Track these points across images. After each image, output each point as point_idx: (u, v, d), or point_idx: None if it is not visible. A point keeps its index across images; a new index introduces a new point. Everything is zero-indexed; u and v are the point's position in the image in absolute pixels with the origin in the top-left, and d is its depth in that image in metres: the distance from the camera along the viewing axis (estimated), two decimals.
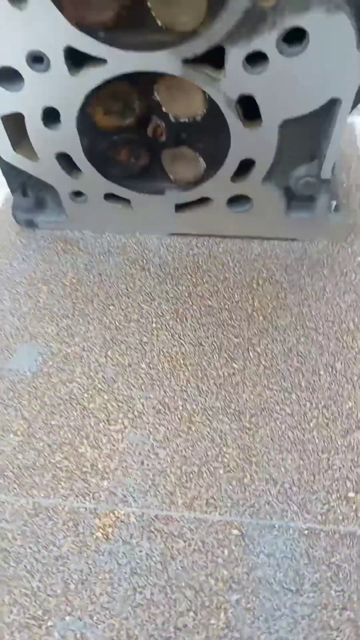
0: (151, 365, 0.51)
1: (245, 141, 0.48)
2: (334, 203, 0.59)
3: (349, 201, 0.66)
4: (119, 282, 0.59)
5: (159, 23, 0.40)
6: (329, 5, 0.37)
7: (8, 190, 0.61)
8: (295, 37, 0.39)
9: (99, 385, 0.50)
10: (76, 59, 0.42)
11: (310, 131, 0.47)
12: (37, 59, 0.42)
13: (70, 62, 0.42)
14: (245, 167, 0.51)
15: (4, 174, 0.58)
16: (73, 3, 0.38)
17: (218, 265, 0.60)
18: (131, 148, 0.52)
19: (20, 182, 0.59)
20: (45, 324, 0.55)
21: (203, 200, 0.56)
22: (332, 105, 0.44)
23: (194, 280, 0.58)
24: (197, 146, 0.51)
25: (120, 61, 0.41)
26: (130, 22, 0.40)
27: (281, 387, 0.49)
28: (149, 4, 0.38)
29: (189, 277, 0.59)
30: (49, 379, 0.50)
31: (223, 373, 0.50)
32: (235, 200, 0.56)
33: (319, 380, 0.49)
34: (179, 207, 0.58)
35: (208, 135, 0.49)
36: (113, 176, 0.54)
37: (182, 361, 0.51)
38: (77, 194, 0.57)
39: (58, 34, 0.39)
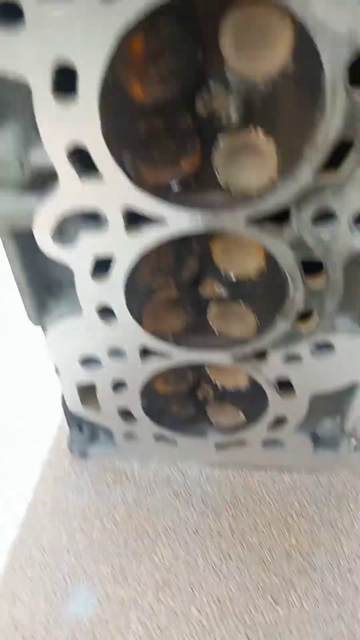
0: (201, 611, 0.56)
1: (280, 405, 0.58)
2: (353, 442, 0.68)
3: None
4: (165, 517, 0.65)
5: (217, 329, 0.52)
6: (350, 332, 0.49)
7: (63, 416, 0.71)
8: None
9: (154, 634, 0.54)
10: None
11: (335, 396, 0.58)
12: (115, 352, 0.53)
13: (142, 352, 0.54)
14: (280, 419, 0.61)
15: (65, 413, 0.68)
16: (152, 317, 0.51)
17: (255, 497, 0.67)
18: (182, 403, 0.62)
19: (78, 420, 0.68)
20: (100, 564, 0.60)
21: (241, 441, 0.66)
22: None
23: (233, 513, 0.65)
24: (239, 405, 0.61)
25: (183, 356, 0.53)
26: (195, 328, 0.52)
27: (325, 636, 0.53)
28: (210, 319, 0.51)
29: (228, 510, 0.66)
30: (106, 626, 0.55)
31: (269, 619, 0.55)
32: (269, 443, 0.65)
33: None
34: (219, 445, 0.67)
35: (248, 398, 0.59)
36: (164, 423, 0.64)
37: (229, 606, 0.56)
38: (130, 434, 0.66)
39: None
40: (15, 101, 0.38)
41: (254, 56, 0.32)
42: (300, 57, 0.32)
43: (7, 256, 0.49)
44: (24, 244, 0.46)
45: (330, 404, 0.60)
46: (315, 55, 0.31)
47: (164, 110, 0.35)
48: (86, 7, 0.29)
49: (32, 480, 0.70)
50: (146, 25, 0.31)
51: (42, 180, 0.41)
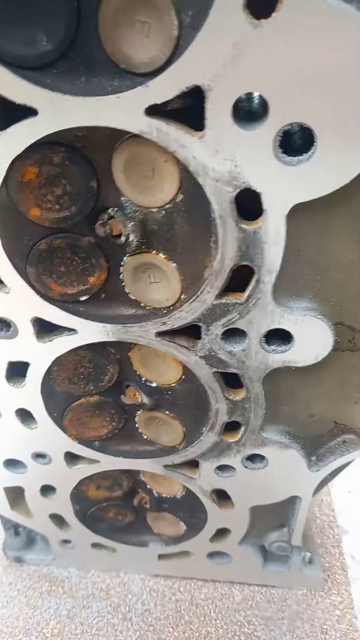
0: None
1: (220, 516, 0.57)
2: (307, 555, 0.66)
3: (323, 541, 0.74)
4: (100, 635, 0.63)
5: (145, 436, 0.52)
6: (280, 444, 0.49)
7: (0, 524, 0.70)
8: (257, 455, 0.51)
9: None
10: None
11: (278, 508, 0.58)
12: (39, 456, 0.54)
13: (68, 456, 0.54)
14: (223, 531, 0.60)
15: (0, 516, 0.67)
16: (75, 423, 0.51)
17: (200, 616, 0.65)
18: (118, 509, 0.61)
19: (13, 524, 0.68)
20: None
21: (185, 552, 0.64)
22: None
23: (176, 634, 0.63)
24: (178, 514, 0.60)
25: (111, 462, 0.53)
26: (121, 434, 0.53)
27: None
28: (137, 425, 0.52)
29: (171, 629, 0.64)
30: None
31: None
32: (215, 555, 0.64)
33: None
34: (162, 556, 0.65)
35: (186, 507, 0.59)
36: (100, 530, 0.63)
37: None
38: (66, 541, 0.66)
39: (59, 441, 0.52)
40: None
41: (145, 190, 0.35)
42: (188, 192, 0.34)
43: None
44: None
45: (276, 516, 0.60)
46: (201, 190, 0.33)
47: (64, 230, 0.38)
48: None
49: None
50: (37, 155, 0.34)
51: None
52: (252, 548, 0.63)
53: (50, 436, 0.51)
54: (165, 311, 0.40)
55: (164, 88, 0.30)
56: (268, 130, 0.30)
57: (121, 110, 0.31)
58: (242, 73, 0.29)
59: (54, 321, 0.42)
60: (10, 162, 0.33)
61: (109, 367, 0.46)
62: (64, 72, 0.31)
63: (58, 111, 0.31)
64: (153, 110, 0.31)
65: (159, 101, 0.30)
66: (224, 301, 0.39)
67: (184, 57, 0.29)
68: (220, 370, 0.43)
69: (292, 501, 0.56)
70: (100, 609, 0.66)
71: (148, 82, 0.30)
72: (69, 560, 0.69)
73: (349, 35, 0.27)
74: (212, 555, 0.64)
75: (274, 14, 0.27)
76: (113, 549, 0.65)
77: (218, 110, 0.30)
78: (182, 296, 0.39)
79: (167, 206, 0.36)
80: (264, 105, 0.30)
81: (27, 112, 0.32)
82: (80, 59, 0.30)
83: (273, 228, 0.34)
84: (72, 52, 0.30)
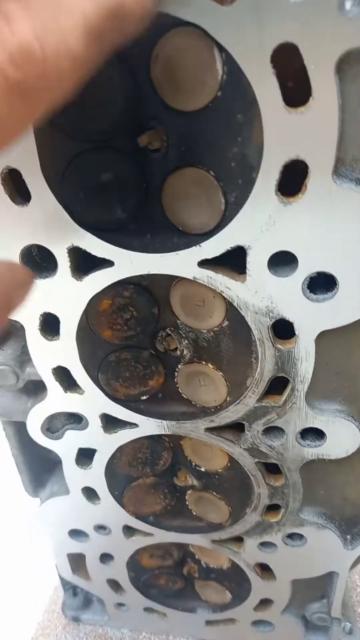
0: None
1: (264, 587, 0.61)
2: (347, 625, 0.69)
3: None
4: None
5: (194, 513, 0.58)
6: (317, 525, 0.53)
7: (57, 583, 0.75)
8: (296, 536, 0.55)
9: None
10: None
11: (318, 581, 0.61)
12: (100, 528, 0.60)
13: (126, 529, 0.59)
14: (266, 601, 0.63)
15: (60, 577, 0.73)
16: (133, 500, 0.57)
17: None
18: (169, 577, 0.66)
19: (72, 585, 0.73)
20: None
21: (231, 619, 0.68)
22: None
23: None
24: (224, 583, 0.64)
25: (164, 535, 0.58)
26: (173, 511, 0.58)
27: None
28: (187, 502, 0.57)
29: None
30: None
31: None
32: (259, 623, 0.67)
33: None
34: (209, 622, 0.69)
35: (232, 578, 0.63)
36: (152, 595, 0.68)
37: None
38: (120, 604, 0.70)
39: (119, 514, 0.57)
40: (15, 327, 0.48)
41: (197, 317, 0.41)
42: (233, 319, 0.41)
43: (7, 437, 0.58)
44: (21, 429, 0.55)
45: (316, 588, 0.63)
46: (244, 319, 0.40)
47: (129, 346, 0.45)
48: (64, 283, 0.40)
49: None
50: (112, 291, 0.41)
51: (35, 387, 0.50)
52: (294, 618, 0.66)
53: (111, 511, 0.57)
54: (213, 410, 0.46)
55: (214, 247, 0.37)
56: (297, 277, 0.37)
57: (179, 263, 0.38)
58: (275, 237, 0.35)
59: (119, 417, 0.48)
60: (90, 297, 0.41)
61: (163, 454, 0.52)
62: (134, 232, 0.38)
63: (129, 262, 0.38)
64: (204, 262, 0.38)
65: (209, 257, 0.37)
66: (264, 404, 0.44)
67: (230, 226, 0.36)
68: (261, 461, 0.49)
69: (330, 575, 0.60)
70: None
71: (201, 242, 0.37)
72: (122, 622, 0.73)
73: (358, 209, 0.33)
74: (256, 623, 0.67)
75: (300, 195, 0.34)
76: (164, 613, 0.69)
77: (257, 263, 0.37)
78: (228, 399, 0.45)
79: (215, 329, 0.42)
80: (294, 256, 0.36)
81: (105, 261, 0.39)
82: (147, 223, 0.38)
83: (304, 348, 0.40)
84: (141, 217, 0.38)
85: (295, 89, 0.31)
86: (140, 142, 0.33)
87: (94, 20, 0.22)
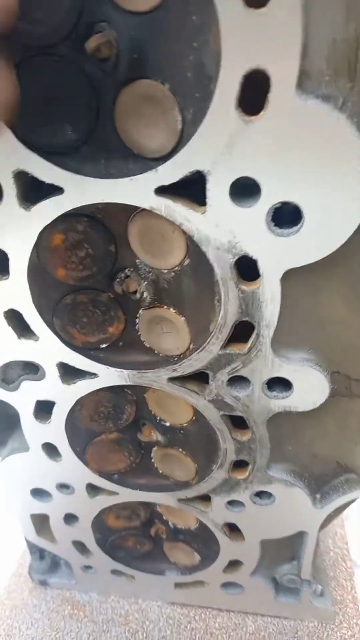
0: None
1: (232, 548, 0.60)
2: (318, 587, 0.68)
3: (336, 574, 0.75)
4: None
5: (160, 471, 0.55)
6: (286, 482, 0.51)
7: (26, 547, 0.73)
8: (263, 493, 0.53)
9: None
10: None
11: (288, 541, 0.59)
12: (63, 486, 0.57)
13: (90, 488, 0.57)
14: (235, 562, 0.62)
15: (26, 540, 0.71)
16: (96, 457, 0.55)
17: None
18: (136, 538, 0.64)
19: (39, 548, 0.71)
20: None
21: (200, 582, 0.66)
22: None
23: None
24: (192, 544, 0.63)
25: (129, 494, 0.56)
26: (138, 469, 0.56)
27: None
28: (153, 460, 0.55)
29: None
30: None
31: None
32: (228, 585, 0.66)
33: None
34: (178, 584, 0.68)
35: (200, 539, 0.61)
36: (119, 558, 0.66)
37: None
38: (88, 567, 0.68)
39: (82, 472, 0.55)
40: None
41: (157, 254, 0.39)
42: (194, 257, 0.38)
43: None
44: None
45: (286, 549, 0.62)
46: (205, 257, 0.37)
47: (86, 287, 0.42)
48: (12, 213, 0.37)
49: None
50: (64, 224, 0.38)
51: None
52: (264, 580, 0.65)
53: (73, 469, 0.55)
54: (176, 359, 0.44)
55: (171, 172, 0.34)
56: (261, 208, 0.34)
57: (134, 190, 0.35)
58: (236, 160, 0.32)
59: (77, 366, 0.45)
60: (39, 231, 0.38)
61: (126, 407, 0.50)
62: (86, 157, 0.35)
63: (81, 190, 0.35)
64: (161, 190, 0.35)
65: (166, 183, 0.34)
66: (228, 352, 0.42)
67: (187, 147, 0.32)
68: (227, 413, 0.46)
69: (300, 536, 0.58)
70: (119, 634, 0.69)
71: (157, 167, 0.34)
72: (90, 586, 0.72)
73: (326, 129, 0.30)
74: (225, 585, 0.66)
75: (262, 113, 0.31)
76: (132, 576, 0.68)
77: (217, 191, 0.34)
78: (191, 346, 0.43)
79: (176, 268, 0.39)
80: (257, 185, 0.33)
81: (54, 189, 0.36)
82: (100, 146, 0.35)
83: (269, 289, 0.38)
84: (93, 139, 0.35)
85: None
86: (87, 47, 0.30)
87: None
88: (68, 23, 0.30)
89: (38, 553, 0.72)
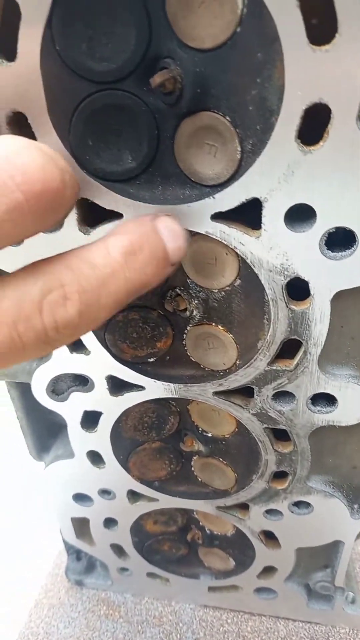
0: None
1: (268, 555, 0.61)
2: (350, 595, 0.68)
3: None
4: None
5: (200, 479, 0.57)
6: (325, 493, 0.52)
7: (61, 547, 0.75)
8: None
9: None
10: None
11: (323, 550, 0.60)
12: (105, 492, 0.59)
13: (130, 494, 0.59)
14: (269, 568, 0.63)
15: (64, 541, 0.72)
16: (138, 465, 0.56)
17: None
18: (173, 543, 0.66)
19: (76, 549, 0.73)
20: None
21: (233, 586, 0.68)
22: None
23: None
24: (227, 550, 0.64)
25: (169, 501, 0.57)
26: (178, 476, 0.57)
27: None
28: (193, 468, 0.56)
29: None
30: None
31: None
32: (262, 590, 0.67)
33: None
34: (212, 588, 0.69)
35: (236, 545, 0.63)
36: (155, 561, 0.68)
37: None
38: (124, 569, 0.70)
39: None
40: None
41: (208, 275, 0.40)
42: (245, 278, 0.39)
43: (11, 399, 0.57)
44: (26, 391, 0.54)
45: (320, 557, 0.63)
46: (257, 278, 0.38)
47: (138, 305, 0.43)
48: (72, 237, 0.38)
49: (28, 606, 0.74)
50: None
51: None
52: (297, 586, 0.66)
53: (115, 475, 0.56)
54: (222, 374, 0.45)
55: (228, 199, 0.35)
56: (315, 233, 0.35)
57: (191, 216, 0.36)
58: (294, 188, 0.33)
59: (125, 379, 0.47)
60: None
61: (170, 418, 0.51)
62: (144, 184, 0.36)
63: (139, 215, 0.36)
64: (217, 215, 0.36)
65: (223, 209, 0.35)
66: (274, 368, 0.43)
67: (246, 176, 0.34)
68: (270, 426, 0.47)
69: (335, 544, 0.59)
70: (153, 634, 0.70)
71: (215, 194, 0.35)
72: (125, 587, 0.73)
73: None
74: (259, 590, 0.67)
75: (321, 143, 0.32)
76: (167, 579, 0.69)
77: (273, 217, 0.35)
78: (238, 362, 0.44)
79: (227, 288, 0.41)
80: (312, 209, 0.34)
81: (114, 213, 0.37)
82: (158, 173, 0.36)
83: (319, 309, 0.39)
84: (152, 167, 0.36)
85: (320, 26, 0.29)
86: (152, 83, 0.31)
87: (123, 300, 0.29)
88: (134, 60, 0.31)
89: (75, 554, 0.74)
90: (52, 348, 0.27)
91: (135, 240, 0.30)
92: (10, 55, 0.32)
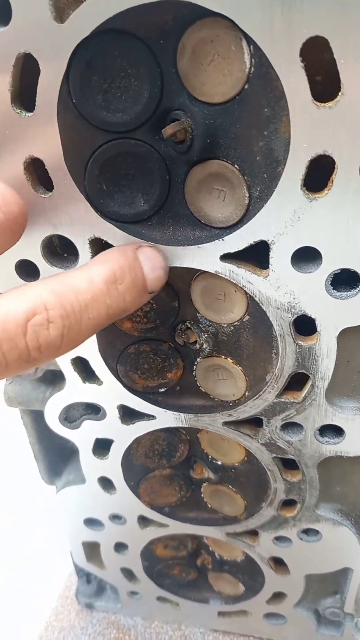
0: None
1: (277, 581, 0.62)
2: (359, 621, 0.69)
3: None
4: None
5: (209, 506, 0.58)
6: (333, 521, 0.54)
7: (72, 569, 0.76)
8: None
9: None
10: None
11: (332, 576, 0.61)
12: (115, 517, 0.60)
13: (141, 519, 0.60)
14: (279, 594, 0.64)
15: (74, 564, 0.74)
16: (148, 491, 0.58)
17: None
18: (182, 567, 0.67)
19: (86, 572, 0.74)
20: None
21: (243, 611, 0.69)
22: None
23: None
24: (237, 575, 0.65)
25: (179, 527, 0.59)
26: (188, 503, 0.59)
27: None
28: (202, 495, 0.57)
29: None
30: None
31: None
32: (271, 616, 0.68)
33: None
34: (221, 613, 0.70)
35: (245, 570, 0.64)
36: (165, 585, 0.69)
37: None
38: (134, 593, 0.71)
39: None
40: None
41: (217, 310, 0.41)
42: (254, 314, 0.41)
43: (24, 425, 0.58)
44: (38, 417, 0.56)
45: (330, 583, 0.64)
46: (265, 314, 0.40)
47: (149, 338, 0.45)
48: None
49: (38, 629, 0.76)
50: None
51: (53, 377, 0.51)
52: (306, 612, 0.67)
53: (126, 501, 0.58)
54: (231, 405, 0.47)
55: (236, 241, 0.37)
56: (321, 273, 0.37)
57: (201, 256, 0.38)
58: (300, 232, 0.35)
59: (136, 408, 0.49)
60: None
61: (180, 446, 0.53)
62: (156, 225, 0.38)
63: None
64: (226, 256, 0.38)
65: (231, 251, 0.37)
66: (283, 400, 0.44)
67: (254, 220, 0.35)
68: (279, 456, 0.49)
69: (345, 571, 0.60)
70: None
71: (224, 236, 0.37)
72: (135, 610, 0.74)
73: None
74: (268, 615, 0.68)
75: (325, 191, 0.33)
76: (176, 603, 0.70)
77: (280, 258, 0.37)
78: (247, 393, 0.45)
79: (236, 323, 0.42)
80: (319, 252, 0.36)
81: None
82: (169, 215, 0.38)
83: (325, 345, 0.40)
84: (163, 210, 0.38)
85: (324, 83, 0.31)
86: (164, 133, 0.33)
87: (103, 324, 0.32)
88: (147, 112, 0.33)
89: (85, 577, 0.76)
90: (34, 366, 0.30)
91: (118, 270, 0.33)
92: (30, 107, 0.34)
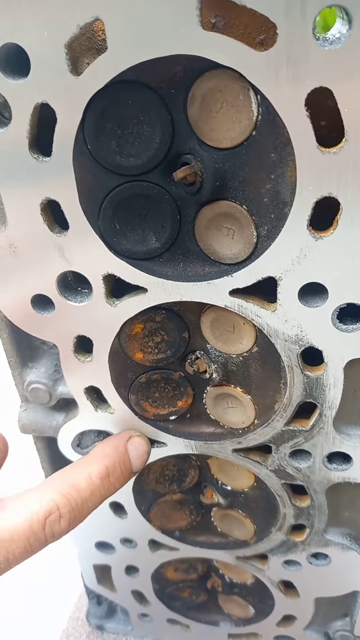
0: None
1: (287, 604, 0.62)
2: None
3: None
4: None
5: (219, 530, 0.59)
6: (342, 546, 0.54)
7: (82, 590, 0.76)
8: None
9: None
10: None
11: (342, 599, 0.61)
12: (126, 541, 0.61)
13: (152, 543, 0.61)
14: (289, 617, 0.64)
15: (85, 586, 0.74)
16: (159, 516, 0.58)
17: None
18: (193, 590, 0.67)
19: (97, 594, 0.74)
20: None
21: (253, 634, 0.69)
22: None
23: None
24: (247, 598, 0.65)
25: (189, 550, 0.59)
26: (199, 527, 0.59)
27: None
28: (213, 519, 0.58)
29: None
30: None
31: None
32: (281, 638, 0.68)
33: None
34: (231, 635, 0.70)
35: (255, 593, 0.64)
36: (175, 607, 0.69)
37: None
38: (144, 615, 0.71)
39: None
40: (48, 348, 0.50)
41: (227, 341, 0.43)
42: (262, 345, 0.42)
43: (37, 451, 0.59)
44: (51, 443, 0.57)
45: (339, 606, 0.64)
46: (273, 346, 0.41)
47: (160, 368, 0.46)
48: (99, 308, 0.42)
49: None
50: (144, 316, 0.43)
51: (66, 404, 0.52)
52: (316, 634, 0.67)
53: (137, 525, 0.58)
54: (240, 432, 0.47)
55: (245, 277, 0.38)
56: (328, 308, 0.38)
57: (211, 291, 0.39)
58: (306, 269, 0.36)
59: (148, 436, 0.49)
60: (123, 321, 0.42)
61: (190, 472, 0.54)
62: (167, 262, 0.39)
63: (162, 289, 0.40)
64: (235, 291, 0.39)
65: (240, 286, 0.38)
66: (291, 428, 0.45)
67: (262, 258, 0.36)
68: (288, 482, 0.50)
69: (354, 594, 0.60)
70: None
71: (232, 272, 0.38)
72: (146, 632, 0.74)
73: None
74: (278, 638, 0.68)
75: (331, 230, 0.35)
76: (187, 625, 0.71)
77: (287, 293, 0.38)
78: (256, 421, 0.46)
79: (245, 354, 0.43)
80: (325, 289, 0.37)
81: (138, 287, 0.40)
82: (180, 252, 0.39)
83: (332, 376, 0.41)
84: (174, 247, 0.39)
85: (329, 127, 0.32)
86: (175, 177, 0.34)
87: (98, 505, 0.43)
88: (158, 157, 0.35)
89: (96, 599, 0.76)
90: (47, 545, 0.40)
91: (110, 465, 0.43)
92: (46, 151, 0.36)
